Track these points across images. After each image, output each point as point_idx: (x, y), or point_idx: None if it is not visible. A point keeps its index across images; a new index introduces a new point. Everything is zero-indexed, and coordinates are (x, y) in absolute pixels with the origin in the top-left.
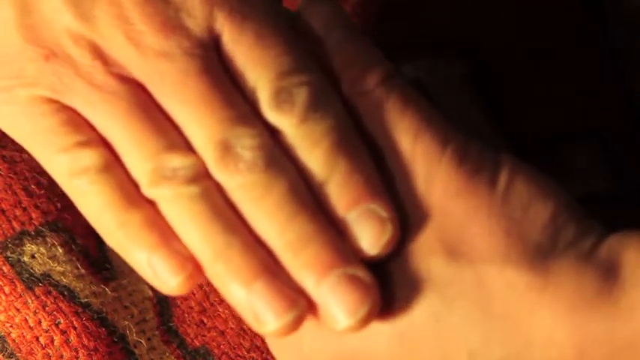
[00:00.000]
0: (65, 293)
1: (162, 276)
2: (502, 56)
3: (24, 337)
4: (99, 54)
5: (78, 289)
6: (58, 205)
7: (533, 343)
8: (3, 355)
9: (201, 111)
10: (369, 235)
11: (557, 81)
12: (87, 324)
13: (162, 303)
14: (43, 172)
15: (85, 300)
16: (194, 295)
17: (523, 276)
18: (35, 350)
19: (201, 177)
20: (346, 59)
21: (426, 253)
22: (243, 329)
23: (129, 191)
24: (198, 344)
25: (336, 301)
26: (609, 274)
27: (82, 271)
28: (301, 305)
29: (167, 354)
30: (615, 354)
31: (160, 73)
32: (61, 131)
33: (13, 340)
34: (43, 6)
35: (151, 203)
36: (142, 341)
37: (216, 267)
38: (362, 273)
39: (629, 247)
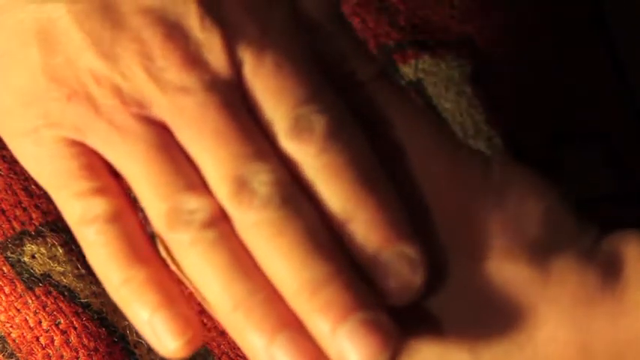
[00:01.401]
0: (65, 293)
1: (162, 338)
2: (502, 56)
3: (24, 337)
4: (119, 93)
5: (78, 289)
6: None
7: (535, 338)
8: (3, 356)
9: (218, 145)
10: (400, 281)
11: (558, 81)
12: (87, 324)
13: None
14: None
15: (86, 300)
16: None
17: (524, 271)
18: (35, 350)
19: (218, 220)
20: (339, 54)
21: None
22: None
23: (137, 245)
24: None
25: (354, 348)
26: (611, 271)
27: (82, 271)
28: (320, 355)
29: None
30: (619, 351)
31: (179, 108)
32: (78, 175)
33: (14, 341)
34: (66, 45)
35: (158, 259)
36: (142, 341)
37: (236, 317)
38: (382, 318)
39: (630, 243)
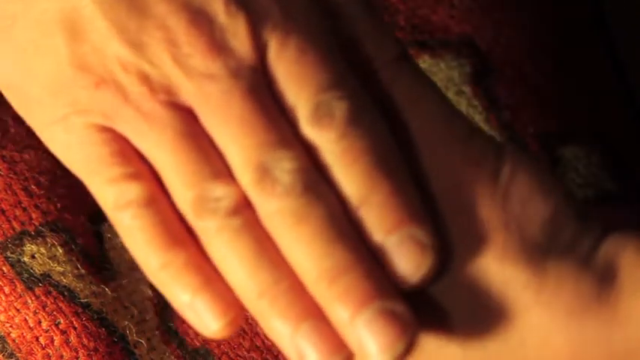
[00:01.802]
0: (65, 293)
1: (205, 319)
2: (502, 56)
3: (24, 337)
4: (146, 81)
5: (78, 289)
6: (58, 205)
7: (527, 342)
8: (3, 356)
9: (242, 132)
10: (409, 263)
11: (558, 81)
12: (87, 324)
13: (163, 303)
14: (42, 172)
15: (85, 300)
16: None
17: (520, 273)
18: (35, 350)
19: (243, 208)
20: (362, 35)
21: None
22: (243, 329)
23: (173, 228)
24: (198, 344)
25: (372, 337)
26: (607, 278)
27: (82, 271)
28: (347, 350)
29: (167, 354)
30: None
31: (205, 95)
32: (110, 162)
33: (13, 341)
34: (92, 34)
35: (196, 240)
36: (142, 341)
37: (261, 304)
38: (401, 308)
39: (626, 249)
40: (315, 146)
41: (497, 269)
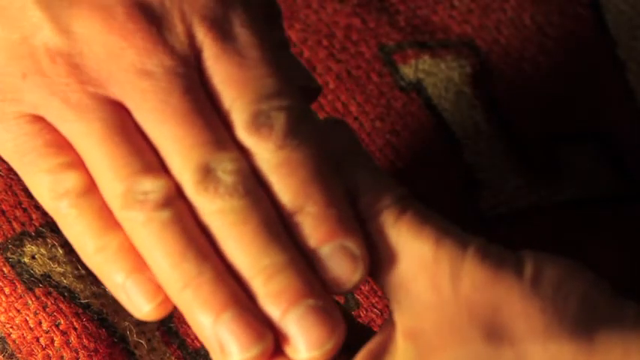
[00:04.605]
0: (65, 294)
1: (136, 301)
2: (502, 56)
3: (24, 338)
4: (75, 71)
5: (78, 289)
6: None
7: None
8: (3, 356)
9: (183, 132)
10: (341, 272)
11: (558, 81)
12: (87, 325)
13: None
14: None
15: (86, 301)
16: None
17: (567, 348)
18: (35, 351)
19: (174, 201)
20: (363, 183)
21: (464, 342)
22: None
23: (108, 214)
24: (198, 345)
25: (302, 332)
26: None
27: (83, 271)
28: (268, 339)
29: (168, 355)
30: None
31: (141, 91)
32: (44, 152)
33: (14, 341)
34: (25, 21)
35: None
36: (143, 342)
37: (185, 295)
38: (330, 307)
39: None
40: (250, 152)
41: (543, 351)
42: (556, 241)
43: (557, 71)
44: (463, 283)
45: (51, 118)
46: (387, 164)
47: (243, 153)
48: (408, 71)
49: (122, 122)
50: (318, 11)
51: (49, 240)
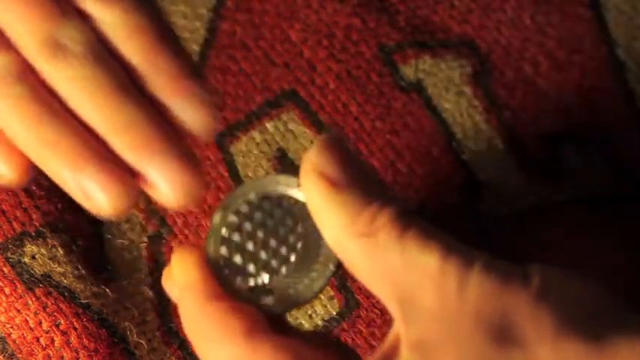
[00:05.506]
0: (66, 294)
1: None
2: (502, 56)
3: (24, 338)
4: None
5: (78, 290)
6: (59, 205)
7: None
8: (4, 356)
9: (25, 7)
10: (199, 117)
11: (557, 81)
12: (87, 325)
13: (163, 304)
14: (43, 173)
15: (86, 301)
16: None
17: (578, 347)
18: (36, 351)
19: (26, 74)
20: (364, 196)
21: (472, 347)
22: None
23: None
24: None
25: (164, 176)
26: None
27: (83, 272)
28: (129, 182)
29: (168, 355)
30: None
31: None
32: None
33: (14, 341)
34: None
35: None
36: (143, 342)
37: (45, 153)
38: (189, 154)
39: None
40: (96, 19)
41: (554, 351)
42: (556, 241)
43: (557, 71)
44: (470, 293)
45: None
46: (387, 164)
47: (89, 22)
48: (408, 71)
49: None
50: (318, 11)
51: (49, 240)
